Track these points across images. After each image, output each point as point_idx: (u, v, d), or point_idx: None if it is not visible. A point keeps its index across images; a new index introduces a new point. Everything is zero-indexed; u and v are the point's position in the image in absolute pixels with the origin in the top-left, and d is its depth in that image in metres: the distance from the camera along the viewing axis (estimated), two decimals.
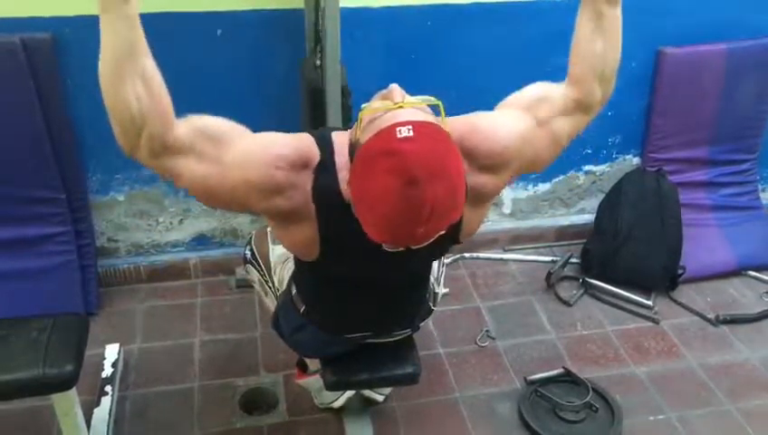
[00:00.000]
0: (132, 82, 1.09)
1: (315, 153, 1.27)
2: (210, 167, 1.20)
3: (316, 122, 2.00)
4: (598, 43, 1.32)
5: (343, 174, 1.25)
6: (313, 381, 2.00)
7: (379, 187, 1.08)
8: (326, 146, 1.29)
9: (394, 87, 1.21)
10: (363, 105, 1.21)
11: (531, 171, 1.43)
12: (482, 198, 1.35)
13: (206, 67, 2.27)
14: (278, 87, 2.33)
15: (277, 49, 2.29)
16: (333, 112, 1.95)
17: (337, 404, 2.04)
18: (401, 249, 1.26)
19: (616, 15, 1.32)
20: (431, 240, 1.15)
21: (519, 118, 1.34)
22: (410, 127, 1.09)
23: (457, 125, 1.28)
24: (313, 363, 2.00)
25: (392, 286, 1.50)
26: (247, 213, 1.41)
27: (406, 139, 1.08)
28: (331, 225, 1.28)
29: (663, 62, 2.60)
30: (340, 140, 1.30)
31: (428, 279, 1.65)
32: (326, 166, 1.27)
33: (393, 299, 1.56)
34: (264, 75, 2.32)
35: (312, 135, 1.31)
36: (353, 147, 1.19)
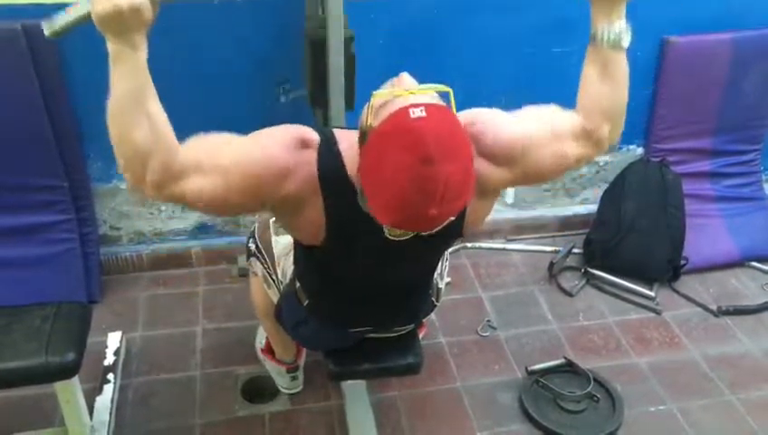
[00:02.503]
0: (139, 123, 1.12)
1: (313, 135, 1.28)
2: (213, 177, 1.19)
3: (320, 76, 1.95)
4: (605, 85, 1.33)
5: (348, 157, 1.25)
6: (273, 366, 2.14)
7: (393, 165, 1.08)
8: (326, 131, 1.30)
9: (404, 75, 1.21)
10: (374, 92, 1.20)
11: (533, 181, 1.42)
12: (485, 190, 1.34)
13: (204, 38, 2.23)
14: (277, 49, 2.30)
15: (276, 11, 2.25)
16: (335, 64, 1.88)
17: (289, 392, 2.15)
18: (407, 237, 1.25)
19: (622, 60, 1.34)
20: (440, 227, 1.14)
21: (533, 122, 1.35)
22: (423, 108, 1.09)
23: (469, 112, 1.29)
24: (286, 353, 2.09)
25: (395, 282, 1.49)
26: (264, 211, 1.40)
27: (419, 118, 1.08)
28: (337, 205, 1.27)
29: (668, 51, 2.58)
30: (340, 133, 1.31)
31: (432, 276, 1.65)
32: (329, 146, 1.27)
33: (396, 296, 1.56)
34: (261, 41, 2.29)
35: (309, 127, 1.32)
36: (364, 133, 1.18)
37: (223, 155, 1.21)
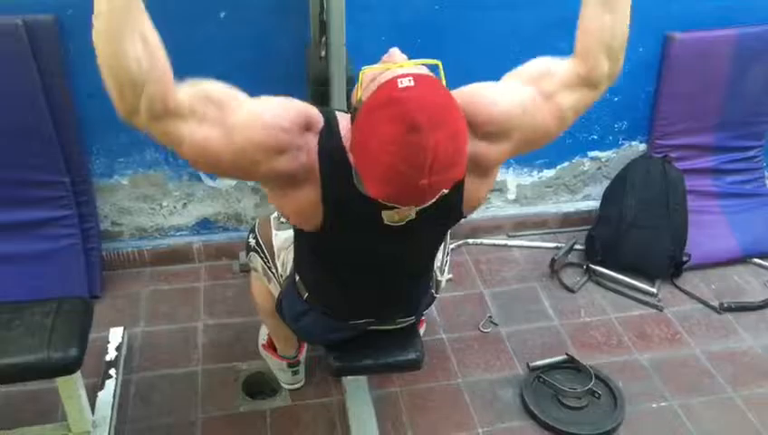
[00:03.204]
0: (131, 40, 1.04)
1: (319, 118, 1.27)
2: (213, 130, 1.16)
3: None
4: (606, 15, 1.29)
5: (346, 140, 1.25)
6: (275, 362, 2.13)
7: (382, 136, 1.08)
8: (329, 114, 1.29)
9: (394, 50, 1.22)
10: (364, 67, 1.20)
11: (534, 145, 1.38)
12: (483, 168, 1.33)
13: (208, 50, 2.25)
14: (282, 71, 2.32)
15: (281, 32, 2.27)
16: (338, 103, 1.93)
17: (291, 388, 2.15)
18: (406, 218, 1.25)
19: None
20: (433, 199, 1.13)
21: (521, 88, 1.33)
22: (411, 78, 1.09)
23: (458, 93, 1.27)
24: (287, 349, 2.09)
25: (394, 270, 1.49)
26: (249, 179, 1.37)
27: (407, 88, 1.08)
28: (335, 188, 1.26)
29: (671, 47, 2.57)
30: (342, 115, 1.31)
31: (431, 266, 1.64)
32: (330, 130, 1.26)
33: (395, 286, 1.55)
34: (267, 59, 2.31)
35: (315, 106, 1.31)
36: (355, 108, 1.18)
37: (231, 112, 1.18)
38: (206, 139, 1.16)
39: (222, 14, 2.23)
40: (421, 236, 1.40)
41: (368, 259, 1.43)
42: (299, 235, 1.47)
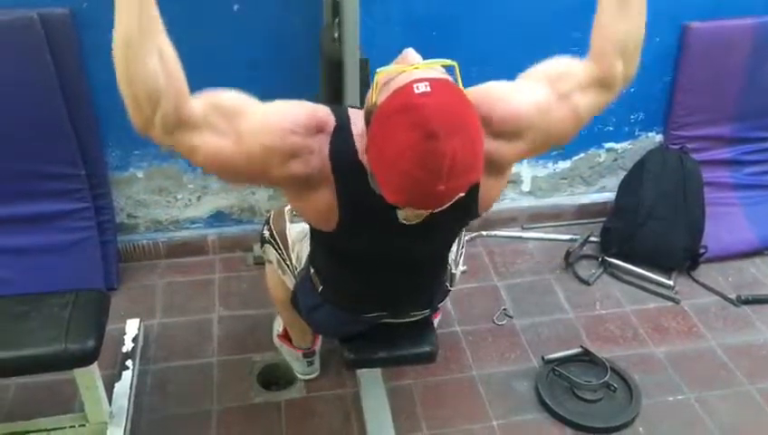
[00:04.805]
0: (149, 58, 1.08)
1: (331, 119, 1.26)
2: (225, 138, 1.18)
3: (335, 94, 1.98)
4: (621, 15, 1.29)
5: (359, 141, 1.24)
6: (291, 352, 2.14)
7: (398, 143, 1.07)
8: (341, 114, 1.29)
9: (409, 50, 1.21)
10: (378, 69, 1.20)
11: (549, 146, 1.38)
12: (497, 167, 1.32)
13: (222, 43, 2.26)
14: (296, 60, 2.31)
15: (294, 22, 2.26)
16: (351, 84, 1.92)
17: (305, 378, 2.16)
18: (422, 217, 1.25)
19: None
20: (450, 202, 1.12)
21: (536, 88, 1.32)
22: (427, 83, 1.08)
23: (472, 92, 1.26)
24: (302, 339, 2.09)
25: (409, 266, 1.49)
26: (265, 185, 1.38)
27: (423, 94, 1.07)
28: (349, 189, 1.27)
29: (688, 37, 2.54)
30: (355, 113, 1.30)
31: (447, 260, 1.64)
32: (342, 131, 1.26)
33: (410, 280, 1.55)
34: (281, 49, 2.30)
35: (327, 106, 1.30)
36: (369, 111, 1.17)
37: (242, 120, 1.19)
38: (219, 147, 1.18)
39: None
40: (436, 233, 1.40)
41: (383, 256, 1.43)
42: (314, 233, 1.48)
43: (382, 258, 1.44)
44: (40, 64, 2.12)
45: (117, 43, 1.08)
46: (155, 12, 1.09)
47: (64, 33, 2.12)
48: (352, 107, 1.37)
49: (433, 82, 1.09)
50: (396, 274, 1.49)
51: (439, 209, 1.14)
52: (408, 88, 1.08)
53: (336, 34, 1.94)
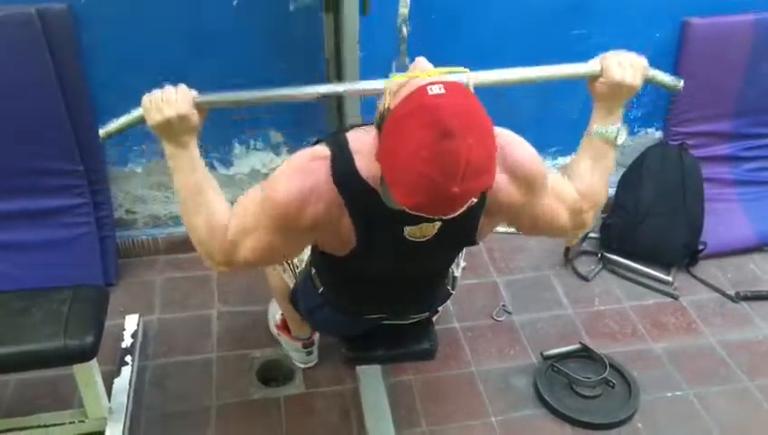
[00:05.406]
0: (197, 212, 1.35)
1: (324, 151, 1.27)
2: (255, 233, 1.31)
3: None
4: (595, 177, 1.47)
5: (360, 159, 1.24)
6: (289, 343, 2.17)
7: (413, 143, 1.06)
8: (337, 141, 1.29)
9: (420, 59, 1.21)
10: (391, 74, 1.20)
11: (521, 227, 1.46)
12: (497, 207, 1.33)
13: (222, 38, 2.24)
14: (297, 43, 2.29)
15: (294, 15, 2.25)
16: (350, 71, 1.90)
17: (305, 366, 2.19)
18: (426, 238, 1.27)
19: (611, 154, 1.48)
20: (461, 209, 1.12)
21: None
22: (441, 85, 1.09)
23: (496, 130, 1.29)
24: (301, 330, 2.11)
25: (412, 277, 1.49)
26: (313, 240, 1.43)
27: (438, 95, 1.07)
28: (360, 211, 1.27)
29: (688, 32, 2.53)
30: (352, 134, 1.30)
31: (448, 269, 1.65)
32: (341, 153, 1.26)
33: (412, 288, 1.56)
34: (281, 44, 2.29)
35: (320, 141, 1.32)
36: (382, 116, 1.17)
37: (253, 208, 1.30)
38: (258, 243, 1.32)
39: None
40: (439, 251, 1.41)
41: (386, 269, 1.42)
42: (318, 252, 1.48)
43: (385, 271, 1.43)
44: (38, 60, 2.11)
45: (178, 198, 1.39)
46: (202, 171, 1.36)
47: (62, 28, 2.11)
48: (354, 125, 1.38)
49: (446, 84, 1.09)
50: (397, 283, 1.49)
51: (450, 216, 1.13)
52: (421, 90, 1.09)
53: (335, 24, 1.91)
